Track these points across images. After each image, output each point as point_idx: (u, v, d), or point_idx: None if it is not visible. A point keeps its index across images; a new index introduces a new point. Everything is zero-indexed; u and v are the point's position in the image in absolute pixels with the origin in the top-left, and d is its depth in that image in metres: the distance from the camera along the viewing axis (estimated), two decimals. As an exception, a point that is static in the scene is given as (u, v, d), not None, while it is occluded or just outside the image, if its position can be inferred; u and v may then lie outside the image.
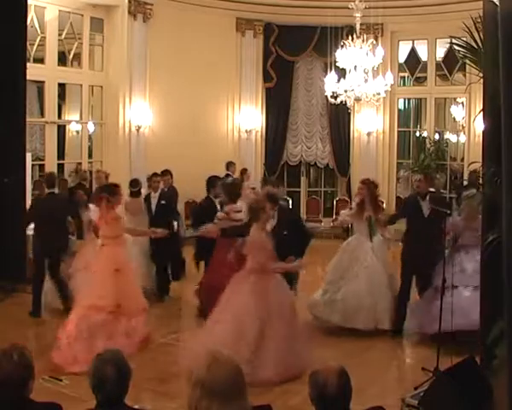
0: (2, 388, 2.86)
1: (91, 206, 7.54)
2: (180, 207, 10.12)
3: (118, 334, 6.19)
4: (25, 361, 2.92)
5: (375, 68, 10.86)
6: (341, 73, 10.98)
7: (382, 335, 6.97)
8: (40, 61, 10.90)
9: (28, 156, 9.53)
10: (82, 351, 5.80)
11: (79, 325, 6.13)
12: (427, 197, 7.07)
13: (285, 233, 6.62)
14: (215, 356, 2.54)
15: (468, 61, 5.05)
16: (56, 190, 8.15)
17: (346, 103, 11.20)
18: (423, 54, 13.57)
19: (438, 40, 13.07)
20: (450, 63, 12.96)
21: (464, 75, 12.14)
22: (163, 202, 8.68)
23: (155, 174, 9.01)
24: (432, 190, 9.13)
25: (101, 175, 9.40)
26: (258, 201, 6.31)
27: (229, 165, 11.51)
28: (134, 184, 8.72)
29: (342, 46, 10.66)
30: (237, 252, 6.33)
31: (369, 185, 7.54)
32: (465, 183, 10.38)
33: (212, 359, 2.50)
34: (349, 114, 13.02)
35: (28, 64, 9.23)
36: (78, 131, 12.70)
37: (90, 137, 12.37)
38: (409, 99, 14.63)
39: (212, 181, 8.27)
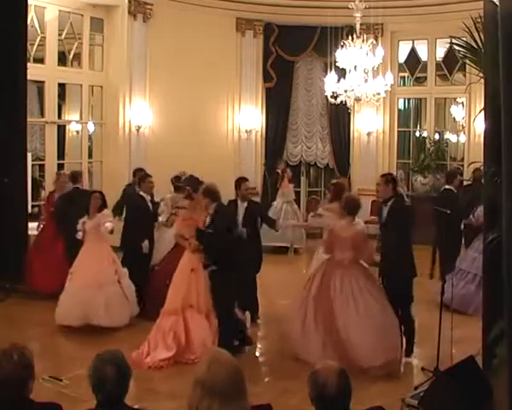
0: (2, 388, 2.86)
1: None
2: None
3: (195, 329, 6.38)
4: (25, 361, 2.92)
5: (375, 68, 10.85)
6: (341, 73, 10.97)
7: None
8: (40, 61, 10.90)
9: (28, 156, 9.54)
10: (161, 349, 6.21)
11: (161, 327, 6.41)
12: (390, 203, 6.58)
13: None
14: (215, 356, 2.54)
15: (468, 61, 5.06)
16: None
17: (346, 103, 11.19)
18: (423, 54, 13.56)
19: (438, 40, 13.06)
20: (450, 63, 12.96)
21: (464, 75, 12.14)
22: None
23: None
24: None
25: (63, 179, 9.04)
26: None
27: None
28: (178, 178, 8.61)
29: (342, 46, 10.65)
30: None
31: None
32: (465, 183, 10.37)
33: (212, 359, 2.51)
34: (349, 114, 13.01)
35: (28, 64, 9.35)
36: (78, 131, 12.69)
37: (90, 137, 12.36)
38: (409, 99, 14.62)
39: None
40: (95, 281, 7.23)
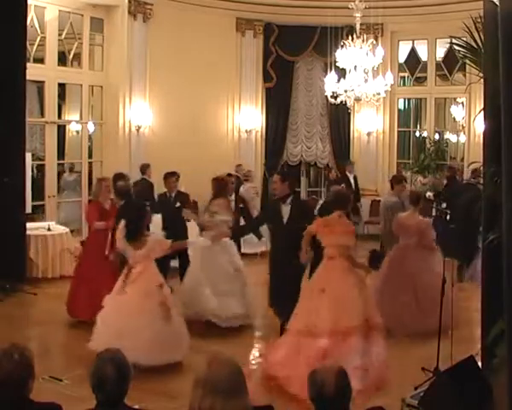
0: (2, 387, 2.86)
1: None
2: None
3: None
4: (25, 361, 2.92)
5: (375, 68, 10.85)
6: (341, 73, 10.97)
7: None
8: (40, 61, 10.88)
9: (28, 156, 9.53)
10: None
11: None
12: (289, 201, 6.61)
13: None
14: (215, 355, 2.55)
15: (468, 61, 5.06)
16: None
17: (346, 103, 11.20)
18: (423, 54, 13.57)
19: (438, 40, 13.06)
20: (450, 63, 12.95)
21: (464, 75, 12.14)
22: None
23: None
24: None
25: (108, 183, 8.45)
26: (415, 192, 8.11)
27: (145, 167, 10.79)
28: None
29: (342, 46, 10.65)
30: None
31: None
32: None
33: (212, 357, 2.51)
34: (349, 114, 13.02)
35: (28, 64, 9.35)
36: (78, 131, 12.70)
37: (90, 137, 12.35)
38: (409, 99, 14.62)
39: None
40: None
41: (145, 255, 6.03)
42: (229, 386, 2.44)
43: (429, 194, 11.49)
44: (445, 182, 11.47)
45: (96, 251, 7.43)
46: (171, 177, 8.73)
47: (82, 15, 11.32)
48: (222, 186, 7.57)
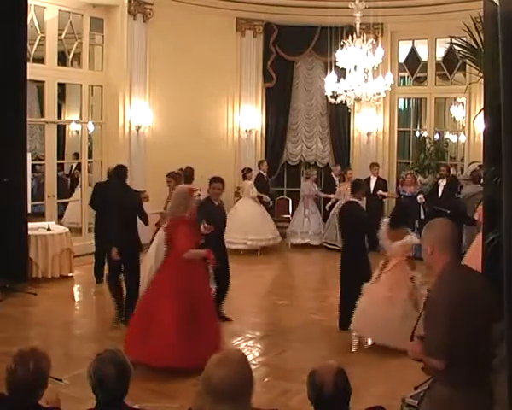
0: (14, 393, 2.86)
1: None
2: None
3: None
4: (40, 371, 2.92)
5: (375, 68, 10.83)
6: (341, 73, 10.96)
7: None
8: (40, 60, 10.88)
9: (28, 156, 9.53)
10: None
11: None
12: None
13: None
14: (222, 358, 2.52)
15: (468, 61, 5.07)
16: None
17: (346, 103, 11.18)
18: (423, 54, 13.56)
19: (438, 40, 13.04)
20: (450, 63, 12.94)
21: (464, 75, 12.13)
22: None
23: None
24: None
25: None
26: None
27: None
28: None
29: (342, 46, 10.64)
30: None
31: None
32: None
33: (219, 361, 2.48)
34: (349, 113, 13.00)
35: (28, 64, 9.34)
36: (77, 131, 12.70)
37: (89, 137, 12.36)
38: (409, 99, 14.61)
39: None
40: None
41: (400, 249, 6.70)
42: (236, 389, 2.42)
43: (420, 197, 11.47)
44: (444, 182, 11.46)
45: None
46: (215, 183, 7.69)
47: (82, 15, 11.31)
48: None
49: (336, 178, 12.89)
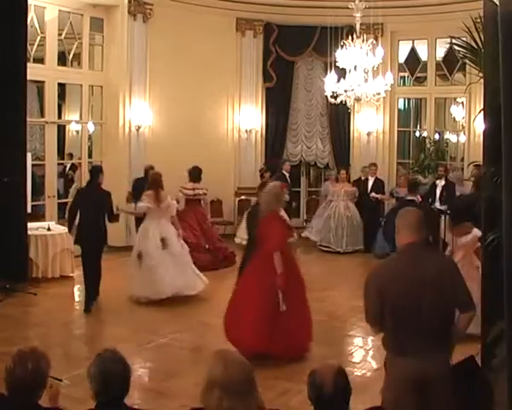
0: (13, 393, 2.86)
1: None
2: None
3: None
4: (39, 371, 2.92)
5: (375, 68, 10.84)
6: (341, 73, 10.96)
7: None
8: (40, 61, 10.88)
9: (28, 156, 9.53)
10: None
11: None
12: None
13: None
14: (228, 356, 2.54)
15: (468, 61, 5.06)
16: None
17: (346, 103, 11.19)
18: (423, 54, 13.56)
19: (438, 40, 13.05)
20: (450, 63, 12.95)
21: (464, 75, 12.14)
22: None
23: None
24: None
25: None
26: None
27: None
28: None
29: (342, 46, 10.64)
30: None
31: None
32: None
33: (225, 359, 2.50)
34: (349, 113, 13.00)
35: (28, 64, 9.34)
36: (77, 131, 12.70)
37: (90, 137, 12.36)
38: (409, 99, 14.62)
39: None
40: None
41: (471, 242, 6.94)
42: (245, 387, 2.45)
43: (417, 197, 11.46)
44: (442, 183, 11.46)
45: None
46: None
47: (82, 15, 11.32)
48: (155, 181, 8.55)
49: (330, 183, 12.95)
